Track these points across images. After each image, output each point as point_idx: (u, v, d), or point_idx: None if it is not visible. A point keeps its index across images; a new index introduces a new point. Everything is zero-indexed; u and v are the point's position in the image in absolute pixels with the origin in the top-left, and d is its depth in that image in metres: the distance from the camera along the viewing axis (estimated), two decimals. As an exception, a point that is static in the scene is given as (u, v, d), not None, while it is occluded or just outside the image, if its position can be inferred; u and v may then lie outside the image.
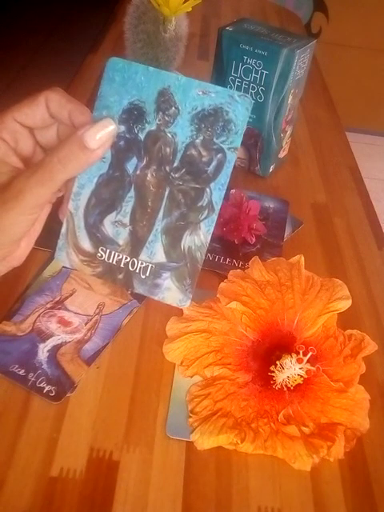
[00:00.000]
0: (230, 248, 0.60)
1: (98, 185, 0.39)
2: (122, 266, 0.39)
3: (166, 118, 0.39)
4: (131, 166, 0.39)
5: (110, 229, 0.39)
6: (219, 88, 0.38)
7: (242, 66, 0.68)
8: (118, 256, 0.39)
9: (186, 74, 0.75)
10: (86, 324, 0.50)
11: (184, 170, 0.39)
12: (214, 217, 0.38)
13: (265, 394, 0.44)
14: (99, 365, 0.46)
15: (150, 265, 0.39)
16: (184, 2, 0.62)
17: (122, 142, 0.39)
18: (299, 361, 0.43)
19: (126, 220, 0.39)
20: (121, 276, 0.39)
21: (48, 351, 0.47)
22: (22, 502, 0.37)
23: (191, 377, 0.46)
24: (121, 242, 0.39)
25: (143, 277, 0.39)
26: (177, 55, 0.68)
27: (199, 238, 0.39)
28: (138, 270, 0.39)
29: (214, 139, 0.38)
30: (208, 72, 0.74)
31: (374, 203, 0.75)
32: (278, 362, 0.44)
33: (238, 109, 0.38)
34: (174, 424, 0.42)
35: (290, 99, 0.68)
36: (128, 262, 0.39)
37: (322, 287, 0.48)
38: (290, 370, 0.43)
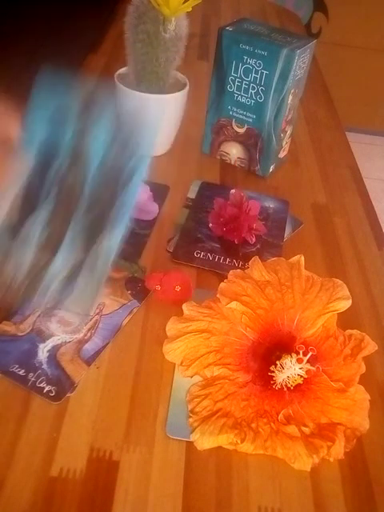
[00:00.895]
0: (230, 248, 0.60)
1: (19, 190, 0.39)
2: (29, 272, 0.39)
3: (87, 126, 0.40)
4: (52, 170, 0.39)
5: (26, 233, 0.39)
6: (135, 93, 0.39)
7: (241, 66, 0.68)
8: (30, 261, 0.39)
9: (186, 74, 0.75)
10: (85, 324, 0.50)
11: (100, 177, 0.40)
12: (125, 223, 0.40)
13: (265, 394, 0.44)
14: (99, 365, 0.46)
15: (64, 270, 0.39)
16: (184, 2, 0.62)
17: (46, 148, 0.39)
18: (299, 361, 0.43)
19: (43, 225, 0.39)
20: (27, 282, 0.39)
21: (48, 351, 0.47)
22: (22, 501, 0.37)
23: (191, 377, 0.46)
24: (35, 247, 0.39)
25: (52, 286, 0.39)
26: (177, 55, 0.68)
27: (112, 239, 0.39)
28: (47, 279, 0.39)
29: (129, 145, 0.40)
30: (208, 72, 0.74)
31: (374, 203, 0.75)
32: (278, 362, 0.44)
33: (152, 104, 0.38)
34: (173, 424, 0.42)
35: (290, 99, 0.68)
36: (40, 269, 0.39)
37: (322, 287, 0.48)
38: (290, 370, 0.43)
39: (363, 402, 0.44)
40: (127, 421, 0.42)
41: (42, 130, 0.40)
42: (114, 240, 0.40)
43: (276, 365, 0.44)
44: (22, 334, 0.48)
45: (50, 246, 0.39)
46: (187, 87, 0.72)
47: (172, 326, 0.48)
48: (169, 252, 0.59)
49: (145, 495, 0.38)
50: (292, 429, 0.42)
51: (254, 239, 0.61)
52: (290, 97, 0.68)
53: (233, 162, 0.77)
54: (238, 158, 0.76)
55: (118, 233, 0.40)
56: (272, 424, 0.42)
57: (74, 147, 0.40)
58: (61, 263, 0.39)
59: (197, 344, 0.46)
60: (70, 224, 0.39)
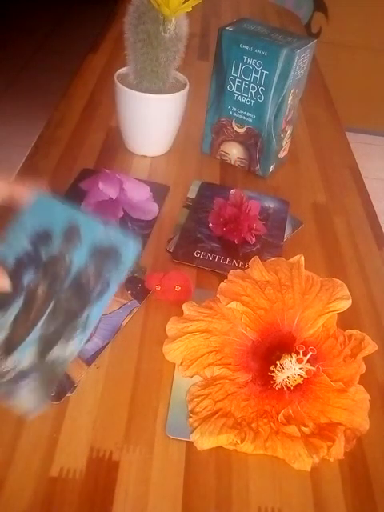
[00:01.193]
0: (230, 248, 0.60)
1: None
2: None
3: (69, 246, 0.45)
4: (27, 278, 0.44)
5: None
6: (117, 231, 0.45)
7: (241, 66, 0.68)
8: None
9: (186, 74, 0.75)
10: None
11: (71, 290, 0.44)
12: (86, 334, 0.42)
13: (265, 394, 0.44)
14: (99, 365, 0.46)
15: (13, 371, 0.41)
16: (184, 2, 0.62)
17: (25, 258, 0.45)
18: (299, 361, 0.43)
19: (7, 325, 0.42)
20: None
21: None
22: (22, 501, 0.37)
23: (191, 377, 0.46)
24: None
25: (3, 380, 0.40)
26: (177, 55, 0.68)
27: (68, 350, 0.42)
28: (0, 374, 0.40)
29: (104, 270, 0.44)
30: (208, 72, 0.74)
31: (373, 203, 0.75)
32: (278, 362, 0.44)
33: (129, 250, 0.45)
34: (173, 424, 0.42)
35: (289, 99, 0.68)
36: None
37: (322, 287, 0.48)
38: (290, 370, 0.43)
39: (363, 401, 0.44)
40: (127, 421, 0.42)
41: (22, 243, 0.45)
42: (71, 349, 0.42)
43: (276, 365, 0.44)
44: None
45: (7, 346, 0.42)
46: (187, 87, 0.72)
47: (172, 326, 0.48)
48: (169, 252, 0.59)
49: (145, 495, 0.38)
50: (292, 429, 0.42)
51: (253, 239, 0.61)
52: (290, 97, 0.68)
53: (233, 162, 0.77)
54: (238, 158, 0.76)
55: (77, 342, 0.42)
56: (272, 424, 0.42)
57: (49, 262, 0.44)
58: (13, 363, 0.41)
59: (197, 344, 0.46)
60: (31, 329, 0.42)
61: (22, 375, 0.41)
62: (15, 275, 0.44)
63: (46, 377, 0.41)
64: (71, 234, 0.46)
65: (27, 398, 0.40)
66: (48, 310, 0.43)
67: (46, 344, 0.42)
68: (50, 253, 0.45)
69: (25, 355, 0.41)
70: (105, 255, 0.45)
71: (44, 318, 0.43)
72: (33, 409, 0.40)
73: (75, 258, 0.45)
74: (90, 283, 0.44)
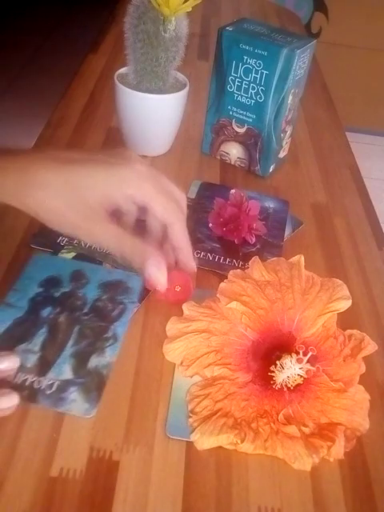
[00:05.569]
0: (230, 248, 0.60)
1: (11, 325, 0.46)
2: (26, 384, 0.42)
3: (78, 285, 0.51)
4: (45, 312, 0.48)
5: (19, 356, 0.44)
6: (120, 270, 0.53)
7: (241, 66, 0.68)
8: (24, 377, 0.43)
9: (186, 74, 0.75)
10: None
11: (92, 314, 0.48)
12: (118, 344, 0.47)
13: (265, 394, 0.44)
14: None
15: (57, 381, 0.43)
16: (184, 2, 0.62)
17: (39, 298, 0.49)
18: (299, 361, 0.43)
19: (37, 349, 0.45)
20: (25, 393, 0.42)
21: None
22: (22, 501, 0.37)
23: (191, 377, 0.46)
24: (28, 366, 0.43)
25: (48, 392, 0.42)
26: (177, 55, 0.68)
27: (105, 359, 0.45)
28: (43, 387, 0.42)
29: (117, 297, 0.50)
30: (208, 72, 0.74)
31: (374, 203, 0.75)
32: (278, 362, 0.44)
33: (135, 281, 0.52)
34: (174, 424, 0.42)
35: (290, 99, 0.68)
36: (33, 381, 0.43)
37: (322, 287, 0.48)
38: (290, 369, 0.43)
39: (363, 401, 0.44)
40: (127, 421, 0.42)
41: (33, 288, 0.49)
42: (108, 356, 0.45)
43: (276, 365, 0.44)
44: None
45: (42, 365, 0.44)
46: (187, 87, 0.72)
47: (172, 326, 0.48)
48: (169, 252, 0.59)
49: (145, 495, 0.38)
50: (292, 429, 0.42)
51: (254, 239, 0.61)
52: (290, 97, 0.68)
53: (233, 162, 0.77)
54: (238, 158, 0.76)
55: (111, 351, 0.46)
56: (272, 424, 0.42)
57: (64, 297, 0.49)
58: (54, 376, 0.43)
59: (197, 344, 0.46)
60: (62, 348, 0.45)
61: (68, 384, 0.43)
62: (32, 312, 0.48)
63: (93, 382, 0.43)
64: (78, 276, 0.51)
65: (78, 403, 0.42)
66: (74, 332, 0.46)
67: (83, 356, 0.45)
68: (62, 291, 0.50)
69: (64, 368, 0.44)
70: (114, 287, 0.51)
71: (72, 339, 0.46)
72: (85, 412, 0.41)
73: (87, 292, 0.50)
74: (108, 307, 0.49)
